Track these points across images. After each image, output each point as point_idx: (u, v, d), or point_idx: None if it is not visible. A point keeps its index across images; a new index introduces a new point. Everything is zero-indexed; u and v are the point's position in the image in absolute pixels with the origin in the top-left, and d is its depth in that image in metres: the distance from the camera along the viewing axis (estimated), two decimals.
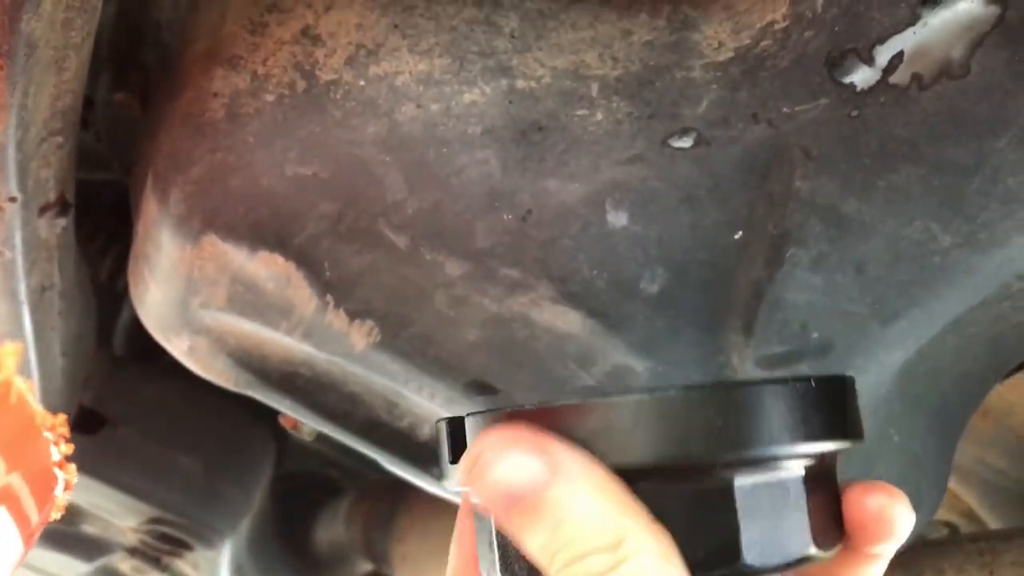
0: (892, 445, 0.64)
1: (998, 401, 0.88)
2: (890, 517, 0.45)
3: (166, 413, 1.00)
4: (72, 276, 0.72)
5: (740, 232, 0.51)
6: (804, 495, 0.48)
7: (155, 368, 0.95)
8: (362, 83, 0.53)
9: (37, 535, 0.58)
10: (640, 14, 0.55)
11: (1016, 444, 0.92)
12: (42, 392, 0.83)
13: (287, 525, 1.28)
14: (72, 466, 0.60)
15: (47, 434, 0.58)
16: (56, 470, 0.58)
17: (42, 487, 0.57)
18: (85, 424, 0.95)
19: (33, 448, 0.57)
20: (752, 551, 0.46)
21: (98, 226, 0.90)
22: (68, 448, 0.60)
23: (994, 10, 0.45)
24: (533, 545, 0.40)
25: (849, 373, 0.55)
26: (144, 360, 1.04)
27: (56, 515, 0.60)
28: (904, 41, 0.47)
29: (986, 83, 0.46)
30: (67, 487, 0.60)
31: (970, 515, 1.03)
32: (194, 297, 0.60)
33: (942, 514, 1.10)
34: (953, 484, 0.93)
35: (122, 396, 0.98)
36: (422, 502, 1.21)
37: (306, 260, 0.55)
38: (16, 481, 0.55)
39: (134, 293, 0.67)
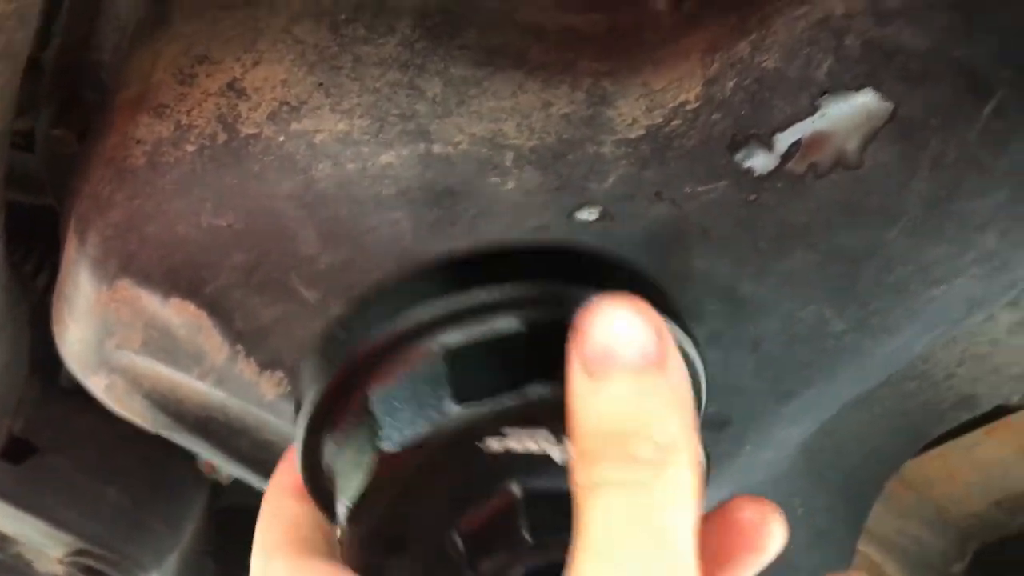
0: (796, 517, 0.65)
1: (918, 473, 0.89)
2: (762, 530, 0.45)
3: (98, 443, 0.99)
4: (2, 304, 0.72)
5: None
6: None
7: (85, 398, 0.95)
8: (282, 139, 0.54)
9: None
10: (562, 85, 0.57)
11: (936, 515, 0.94)
12: None
13: (222, 560, 1.27)
14: None
15: None
16: None
17: None
18: (13, 452, 0.95)
19: None
20: None
21: (32, 248, 0.90)
22: None
23: (888, 106, 0.47)
24: (589, 412, 0.36)
25: (747, 447, 0.56)
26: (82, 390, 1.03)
27: None
28: (803, 130, 0.49)
29: (879, 175, 0.47)
30: None
31: None
32: (109, 338, 0.61)
33: None
34: (874, 553, 0.94)
35: (54, 424, 0.98)
36: None
37: (217, 309, 0.56)
38: None
39: (56, 329, 0.67)
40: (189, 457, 1.06)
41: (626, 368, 0.35)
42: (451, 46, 0.58)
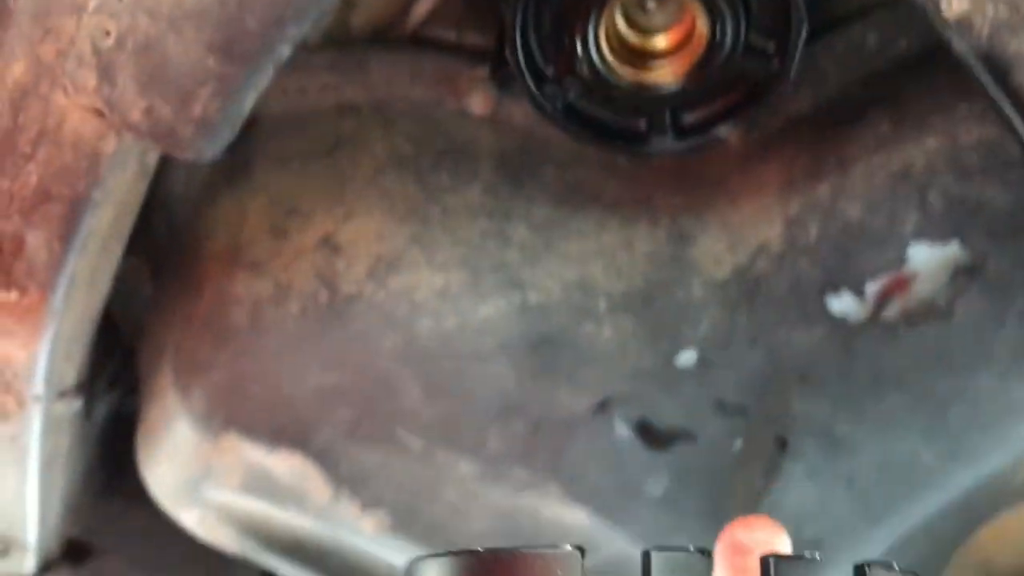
0: None
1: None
2: None
3: (151, 541, 1.00)
4: (79, 438, 0.73)
5: (739, 443, 0.54)
6: None
7: (138, 496, 0.96)
8: (382, 296, 0.56)
9: None
10: (641, 222, 0.59)
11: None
12: (39, 534, 0.85)
13: None
14: None
15: None
16: None
17: None
18: (73, 556, 0.96)
19: None
20: None
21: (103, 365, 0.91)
22: None
23: (976, 259, 0.50)
24: None
25: (834, 566, 0.58)
26: (121, 486, 1.04)
27: None
28: (892, 279, 0.51)
29: (968, 325, 0.50)
30: None
31: None
32: (207, 480, 0.62)
33: None
34: None
35: (107, 525, 0.99)
36: None
37: (323, 458, 0.57)
38: None
39: (144, 464, 0.68)
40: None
41: None
42: (532, 187, 0.60)
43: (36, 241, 0.47)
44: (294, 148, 0.61)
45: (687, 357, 0.55)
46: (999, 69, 0.36)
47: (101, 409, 0.92)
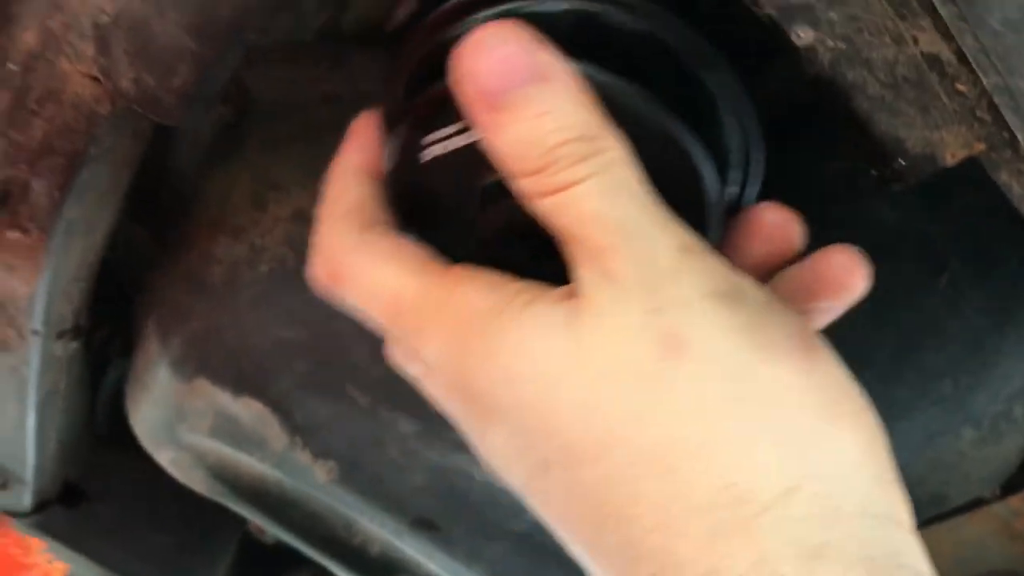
0: None
1: None
2: (851, 279, 0.45)
3: (141, 493, 1.08)
4: (76, 379, 0.81)
5: None
6: None
7: (131, 450, 1.03)
8: None
9: None
10: None
11: None
12: (36, 472, 0.92)
13: None
14: None
15: None
16: None
17: None
18: (68, 498, 1.03)
19: None
20: None
21: (101, 318, 0.99)
22: None
23: None
24: (507, 139, 0.38)
25: None
26: (121, 439, 1.11)
27: None
28: None
29: (852, 327, 0.56)
30: None
31: None
32: (182, 423, 0.69)
33: None
34: None
35: (101, 474, 1.06)
36: None
37: (280, 406, 0.64)
38: None
39: (130, 407, 0.76)
40: (223, 509, 1.14)
41: (516, 92, 0.38)
42: None
43: (40, 188, 0.55)
44: (281, 132, 0.69)
45: None
46: (844, 96, 0.42)
47: (113, 374, 1.00)
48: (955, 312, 0.54)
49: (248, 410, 0.65)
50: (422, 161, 0.45)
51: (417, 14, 0.69)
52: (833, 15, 0.40)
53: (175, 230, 0.72)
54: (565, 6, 0.42)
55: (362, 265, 0.45)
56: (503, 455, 0.41)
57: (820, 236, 0.46)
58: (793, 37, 0.41)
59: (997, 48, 0.36)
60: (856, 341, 0.57)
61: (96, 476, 1.08)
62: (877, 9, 0.39)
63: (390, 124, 0.49)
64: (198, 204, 0.70)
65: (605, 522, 0.37)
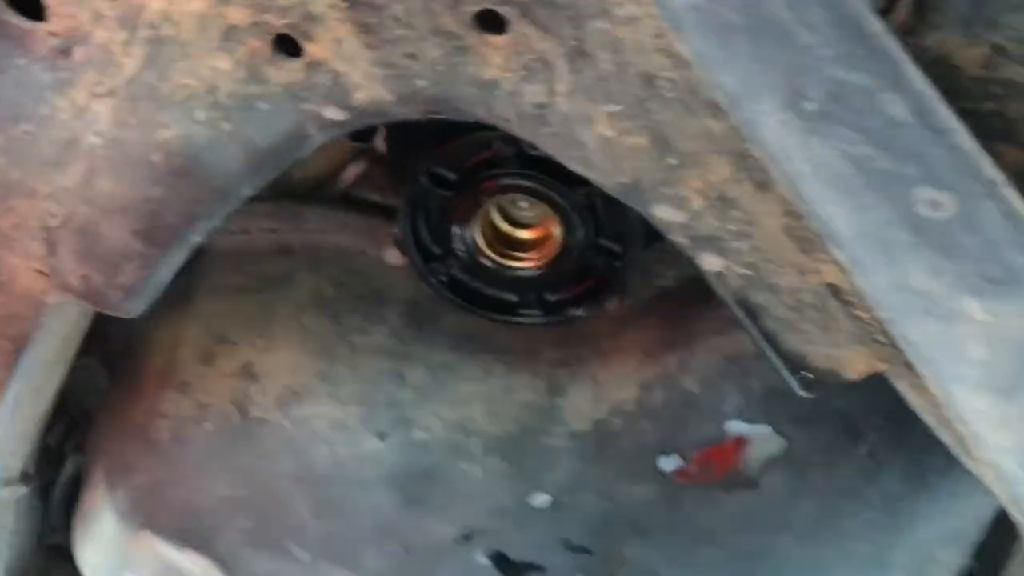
0: None
1: None
2: None
3: None
4: (25, 514, 0.81)
5: None
6: None
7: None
8: (286, 423, 0.65)
9: None
10: (523, 373, 0.68)
11: None
12: None
13: None
14: None
15: None
16: None
17: None
18: None
19: None
20: None
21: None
22: None
23: (782, 441, 0.58)
24: None
25: None
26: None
27: None
28: (714, 448, 0.60)
29: (772, 495, 0.59)
30: None
31: None
32: (126, 570, 0.70)
33: None
34: None
35: None
36: None
37: (224, 561, 0.65)
38: None
39: (76, 544, 0.76)
40: None
41: None
42: (433, 332, 0.69)
43: None
44: (232, 282, 0.71)
45: (542, 499, 0.63)
46: (751, 314, 0.45)
47: (69, 469, 0.99)
48: (873, 481, 0.57)
49: (192, 564, 0.66)
50: None
51: (365, 175, 0.72)
52: (740, 245, 0.42)
53: (123, 371, 0.73)
54: None
55: None
56: None
57: None
58: (703, 264, 0.44)
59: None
60: (775, 505, 0.59)
61: None
62: (783, 243, 0.42)
63: None
64: (146, 349, 0.71)
65: None
